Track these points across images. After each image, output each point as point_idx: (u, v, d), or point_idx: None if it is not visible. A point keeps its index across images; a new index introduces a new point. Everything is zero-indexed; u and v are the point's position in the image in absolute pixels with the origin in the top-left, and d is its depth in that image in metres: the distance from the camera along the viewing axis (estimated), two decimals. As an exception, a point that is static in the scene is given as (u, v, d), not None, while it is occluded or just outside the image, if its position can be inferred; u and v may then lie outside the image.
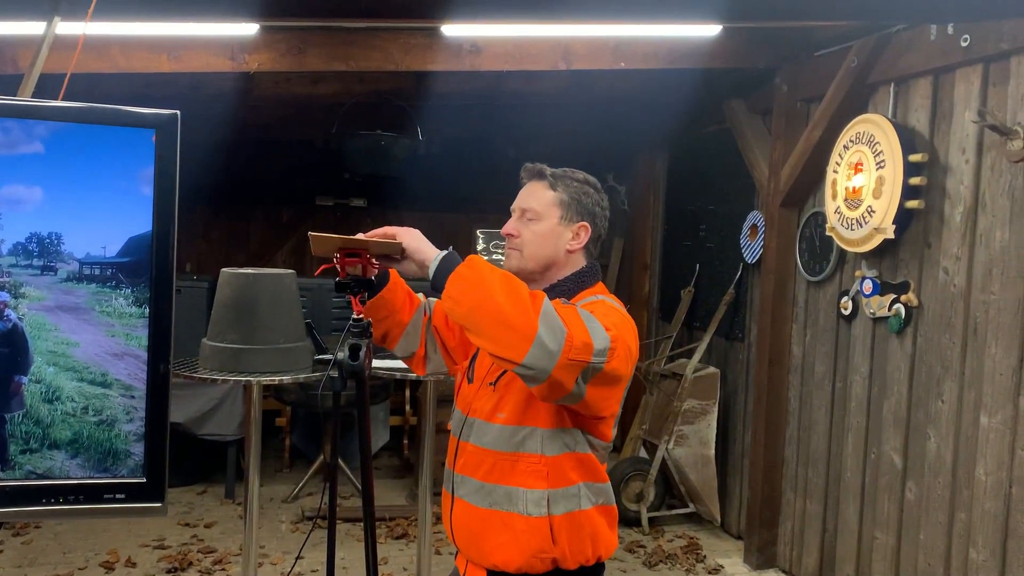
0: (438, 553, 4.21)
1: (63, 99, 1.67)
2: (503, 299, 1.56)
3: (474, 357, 1.96)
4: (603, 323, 1.65)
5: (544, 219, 1.84)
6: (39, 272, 1.60)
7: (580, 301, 1.83)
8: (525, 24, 3.69)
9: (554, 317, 1.57)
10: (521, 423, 1.78)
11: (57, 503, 1.63)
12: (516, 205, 1.89)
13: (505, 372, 1.79)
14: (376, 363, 3.21)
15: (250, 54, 3.72)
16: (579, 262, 1.89)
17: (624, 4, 2.78)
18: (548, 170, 1.89)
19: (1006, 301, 2.93)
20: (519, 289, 1.59)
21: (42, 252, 1.60)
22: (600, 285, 1.90)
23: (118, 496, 1.66)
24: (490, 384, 1.83)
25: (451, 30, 3.75)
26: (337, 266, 1.87)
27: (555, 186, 1.87)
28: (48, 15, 2.24)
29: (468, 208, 6.86)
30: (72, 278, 1.62)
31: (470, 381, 1.93)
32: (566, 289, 1.85)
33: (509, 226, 1.87)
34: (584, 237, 1.87)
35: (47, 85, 2.29)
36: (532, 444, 1.77)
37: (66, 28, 2.33)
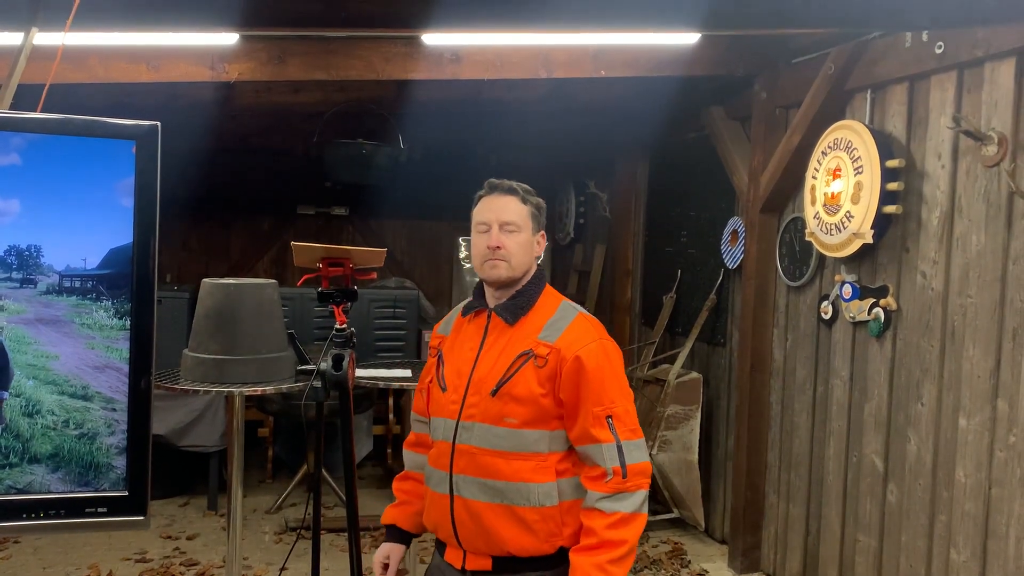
0: (423, 562, 4.19)
1: (42, 110, 1.66)
2: None
3: (439, 367, 2.08)
4: (636, 439, 1.91)
5: (523, 231, 2.01)
6: (18, 285, 1.58)
7: (552, 321, 1.97)
8: (505, 33, 3.70)
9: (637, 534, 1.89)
10: (533, 427, 1.93)
11: (38, 518, 1.61)
12: (492, 219, 2.00)
13: (505, 382, 1.91)
14: (359, 372, 3.21)
15: (230, 63, 3.71)
16: (536, 266, 2.08)
17: (603, 12, 2.79)
18: (517, 186, 2.04)
19: (983, 304, 2.97)
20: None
21: (21, 265, 1.58)
22: (548, 287, 2.07)
23: (100, 510, 1.64)
24: (491, 393, 1.94)
25: (431, 39, 3.76)
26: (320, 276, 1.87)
27: (526, 200, 2.03)
28: (26, 26, 2.23)
29: (450, 216, 6.85)
30: (52, 291, 1.60)
31: (444, 389, 2.04)
32: (532, 294, 2.01)
33: (495, 239, 1.98)
34: (543, 245, 2.08)
35: (25, 95, 2.27)
36: (541, 445, 1.93)
37: (44, 39, 2.31)
